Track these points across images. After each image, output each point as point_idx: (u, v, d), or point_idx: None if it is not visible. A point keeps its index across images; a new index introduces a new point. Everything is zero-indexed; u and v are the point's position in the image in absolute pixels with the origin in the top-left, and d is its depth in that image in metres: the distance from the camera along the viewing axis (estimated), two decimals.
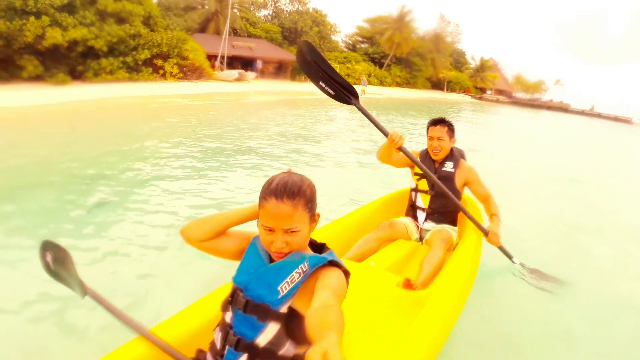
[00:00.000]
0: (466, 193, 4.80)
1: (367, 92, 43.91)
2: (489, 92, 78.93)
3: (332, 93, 3.96)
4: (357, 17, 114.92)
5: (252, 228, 2.19)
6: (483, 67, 76.60)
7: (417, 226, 4.58)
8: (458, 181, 4.49)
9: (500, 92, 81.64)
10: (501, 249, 4.57)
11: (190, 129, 15.07)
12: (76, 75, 26.44)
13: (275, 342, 1.86)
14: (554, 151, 18.91)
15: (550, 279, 4.92)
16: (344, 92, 3.96)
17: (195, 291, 3.23)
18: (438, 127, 4.45)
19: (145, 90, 25.15)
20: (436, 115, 4.61)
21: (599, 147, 25.72)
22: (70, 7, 25.57)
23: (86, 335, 3.43)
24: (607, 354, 3.92)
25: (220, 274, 3.46)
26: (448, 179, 4.45)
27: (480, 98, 70.97)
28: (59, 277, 2.54)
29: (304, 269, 1.87)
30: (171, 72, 31.27)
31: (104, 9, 26.96)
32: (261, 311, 1.88)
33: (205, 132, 14.43)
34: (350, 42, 67.41)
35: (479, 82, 75.91)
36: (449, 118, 4.53)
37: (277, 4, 58.76)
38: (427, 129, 4.55)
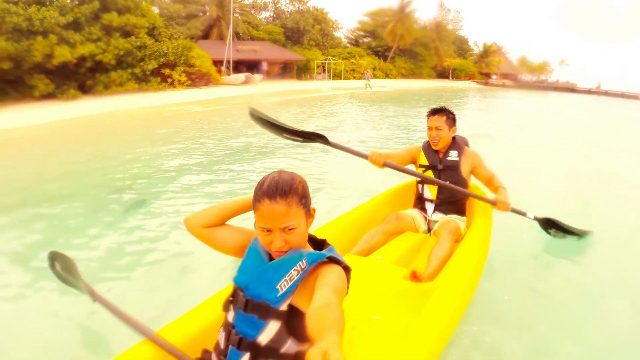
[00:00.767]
0: (473, 181, 4.76)
1: (372, 85, 44.07)
2: (494, 77, 78.31)
3: (300, 139, 4.22)
4: (357, 11, 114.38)
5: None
6: (487, 53, 76.15)
7: (425, 218, 4.53)
8: (464, 169, 4.46)
9: (505, 76, 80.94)
10: (512, 210, 4.39)
11: (209, 134, 15.41)
12: (86, 89, 26.78)
13: (277, 340, 1.88)
14: (564, 134, 18.65)
15: (570, 228, 4.91)
16: (309, 136, 4.21)
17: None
18: (436, 116, 4.43)
19: (156, 100, 25.50)
20: (443, 104, 4.58)
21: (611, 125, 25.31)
22: (75, 25, 25.92)
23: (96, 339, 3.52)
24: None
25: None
26: (453, 167, 4.45)
27: (486, 84, 70.55)
28: (69, 283, 2.65)
29: (303, 266, 1.89)
30: (179, 80, 31.51)
31: (109, 23, 27.33)
32: (261, 310, 1.90)
33: (225, 136, 14.73)
34: (353, 37, 67.22)
35: (483, 68, 75.49)
36: (453, 106, 4.34)
37: (277, 5, 58.85)
38: (427, 119, 4.54)
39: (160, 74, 30.40)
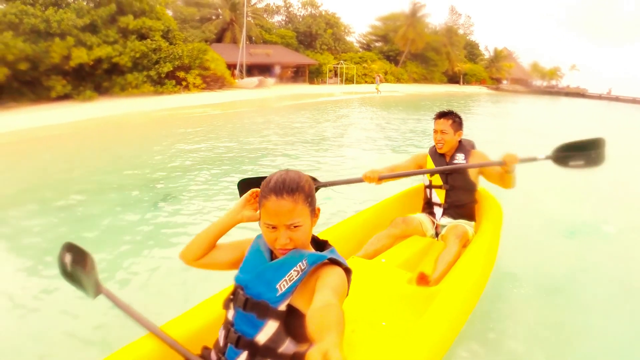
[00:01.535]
0: (482, 185, 4.65)
1: (383, 90, 44.06)
2: (505, 82, 78.25)
3: None
4: (369, 16, 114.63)
5: (243, 234, 2.33)
6: (497, 58, 76.03)
7: (433, 222, 4.50)
8: (471, 171, 4.39)
9: (517, 81, 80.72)
10: (521, 161, 3.99)
11: (227, 135, 15.61)
12: (102, 91, 27.01)
13: (275, 340, 1.89)
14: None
15: (584, 143, 4.12)
16: None
17: None
18: (442, 120, 4.38)
19: (172, 102, 25.73)
20: (454, 109, 4.47)
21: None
22: (92, 27, 26.17)
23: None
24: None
25: None
26: (460, 171, 4.38)
27: (496, 89, 70.42)
28: (72, 279, 2.61)
29: (303, 267, 1.89)
30: (194, 83, 31.67)
31: (125, 26, 27.58)
32: (260, 309, 1.91)
33: (245, 139, 14.77)
34: (365, 41, 67.25)
35: (494, 73, 75.35)
36: (464, 111, 4.24)
37: (289, 9, 58.99)
38: (434, 122, 4.49)
39: (175, 77, 30.57)
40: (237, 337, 1.94)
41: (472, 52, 76.32)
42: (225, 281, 2.47)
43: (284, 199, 1.81)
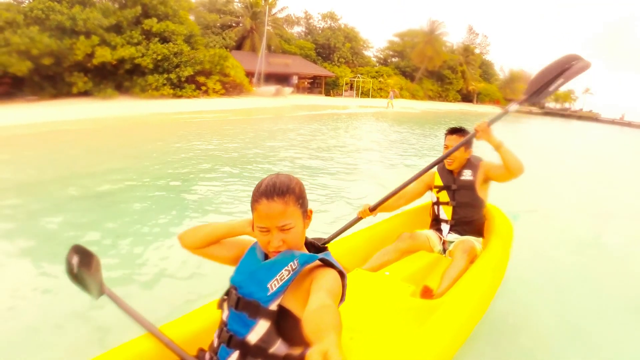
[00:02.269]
0: (490, 201, 4.62)
1: (396, 105, 44.08)
2: None
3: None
4: (388, 31, 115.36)
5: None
6: (513, 79, 76.10)
7: (440, 238, 4.46)
8: (479, 187, 4.34)
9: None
10: (491, 122, 3.95)
11: (253, 141, 15.85)
12: (122, 90, 27.31)
13: (266, 340, 1.88)
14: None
15: (551, 70, 3.94)
16: None
17: None
18: (454, 136, 4.32)
19: (193, 106, 25.94)
20: (463, 125, 4.41)
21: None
22: (117, 27, 26.42)
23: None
24: None
25: None
26: (468, 187, 4.34)
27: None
28: (78, 280, 2.65)
29: (294, 267, 1.89)
30: (214, 89, 31.82)
31: (149, 29, 27.86)
32: (251, 308, 1.91)
33: (265, 144, 15.29)
34: (382, 56, 67.58)
35: (508, 94, 75.41)
36: (472, 127, 4.14)
37: (309, 21, 59.40)
38: (444, 138, 4.46)
39: (194, 82, 30.72)
40: (229, 337, 1.95)
41: (487, 71, 76.41)
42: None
43: (275, 201, 1.83)
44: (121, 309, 2.43)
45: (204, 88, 31.26)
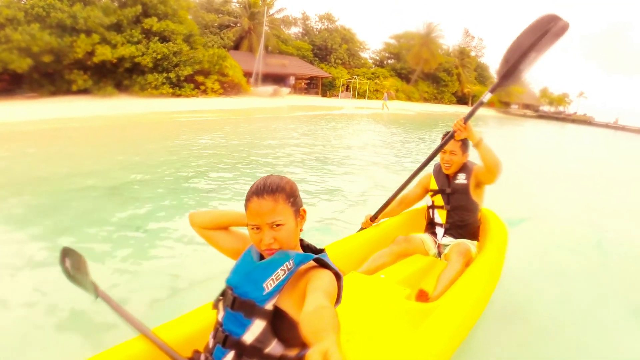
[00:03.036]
0: (486, 206, 4.65)
1: (391, 107, 44.34)
2: (514, 106, 78.52)
3: None
4: (384, 33, 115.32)
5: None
6: None
7: (435, 242, 4.43)
8: (473, 190, 4.34)
9: (527, 106, 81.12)
10: (467, 118, 3.96)
11: (254, 139, 15.96)
12: (122, 89, 27.35)
13: (262, 340, 1.88)
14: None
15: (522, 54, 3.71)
16: None
17: None
18: (452, 140, 4.24)
19: (193, 105, 26.06)
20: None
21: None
22: (117, 26, 26.46)
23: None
24: None
25: None
26: (462, 191, 4.33)
27: (505, 112, 70.77)
28: (76, 281, 2.68)
29: (289, 267, 1.90)
30: (212, 88, 31.95)
31: (149, 28, 27.94)
32: (247, 307, 1.91)
33: (263, 142, 15.32)
34: (378, 58, 67.67)
35: (503, 97, 75.58)
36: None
37: (306, 22, 59.53)
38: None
39: (193, 81, 30.83)
40: (225, 337, 1.95)
41: (482, 74, 76.53)
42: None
43: (265, 199, 1.86)
44: (114, 310, 2.44)
45: (202, 87, 31.40)
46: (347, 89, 54.14)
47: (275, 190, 1.88)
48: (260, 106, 31.17)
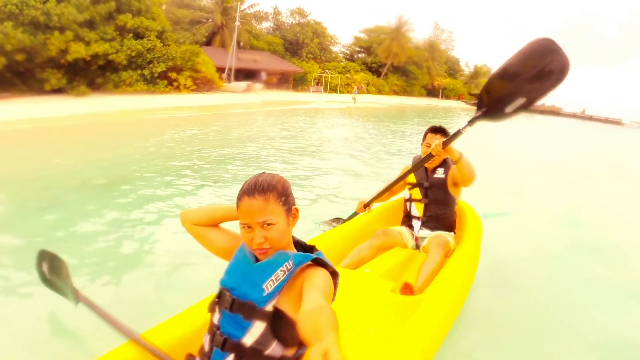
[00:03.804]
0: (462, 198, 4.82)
1: (362, 100, 45.37)
2: None
3: None
4: (355, 27, 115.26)
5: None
6: (477, 74, 77.34)
7: (413, 234, 4.52)
8: (450, 185, 4.45)
9: None
10: (446, 142, 3.95)
11: (233, 137, 16.17)
12: (95, 87, 27.05)
13: (262, 342, 1.87)
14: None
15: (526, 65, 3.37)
16: None
17: None
18: (438, 135, 4.34)
19: (167, 102, 25.98)
20: (437, 122, 4.46)
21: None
22: (90, 23, 26.20)
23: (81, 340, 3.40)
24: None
25: None
26: (439, 185, 4.44)
27: (475, 104, 71.50)
28: (53, 286, 2.62)
29: (289, 267, 1.90)
30: (185, 85, 31.86)
31: (123, 24, 27.71)
32: (247, 309, 1.90)
33: (240, 140, 15.55)
34: (349, 52, 68.06)
35: (473, 89, 76.55)
36: (445, 124, 4.41)
37: (278, 17, 59.65)
38: (425, 136, 4.50)
39: (167, 77, 30.74)
40: (224, 340, 1.93)
41: (452, 67, 77.52)
42: (209, 289, 2.50)
43: (256, 198, 1.86)
44: (99, 316, 2.37)
45: (175, 84, 31.31)
46: (319, 83, 54.36)
47: (267, 189, 1.88)
48: (234, 102, 31.15)
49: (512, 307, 4.46)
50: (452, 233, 4.51)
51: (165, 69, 30.14)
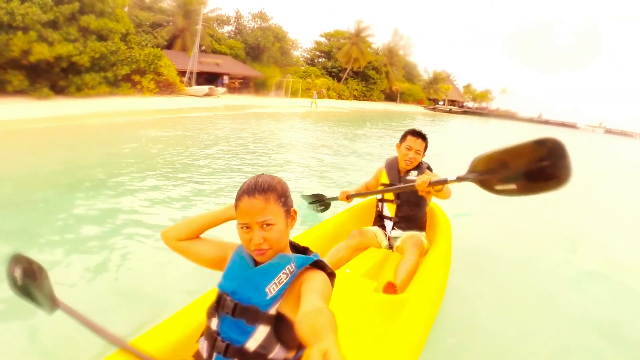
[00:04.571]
0: (435, 201, 5.02)
1: (323, 105, 46.11)
2: (441, 102, 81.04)
3: None
4: (316, 32, 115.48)
5: (231, 234, 2.24)
6: (436, 79, 78.82)
7: (386, 234, 4.57)
8: None
9: (452, 102, 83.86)
10: (431, 184, 3.84)
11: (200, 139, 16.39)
12: (57, 90, 26.61)
13: (266, 346, 1.85)
14: None
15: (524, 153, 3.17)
16: None
17: None
18: (420, 140, 4.46)
19: (133, 105, 25.81)
20: (405, 126, 4.59)
21: None
22: (53, 24, 25.84)
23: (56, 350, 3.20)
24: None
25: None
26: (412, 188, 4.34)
27: (433, 109, 73.04)
28: (24, 293, 2.41)
29: (291, 270, 1.89)
30: (148, 87, 31.85)
31: (87, 26, 27.28)
32: (250, 314, 1.87)
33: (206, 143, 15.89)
34: (309, 56, 68.76)
35: (432, 94, 78.02)
36: (404, 128, 4.59)
37: (240, 21, 59.59)
38: (405, 137, 4.55)
39: (130, 80, 30.63)
40: (226, 346, 1.89)
41: (410, 72, 78.67)
42: (198, 292, 2.52)
43: (256, 198, 1.85)
44: (82, 323, 2.24)
45: (138, 87, 31.24)
46: (279, 87, 54.67)
47: (267, 190, 1.88)
48: (198, 106, 31.20)
49: (485, 299, 4.64)
50: (423, 232, 4.60)
51: (129, 72, 30.01)
